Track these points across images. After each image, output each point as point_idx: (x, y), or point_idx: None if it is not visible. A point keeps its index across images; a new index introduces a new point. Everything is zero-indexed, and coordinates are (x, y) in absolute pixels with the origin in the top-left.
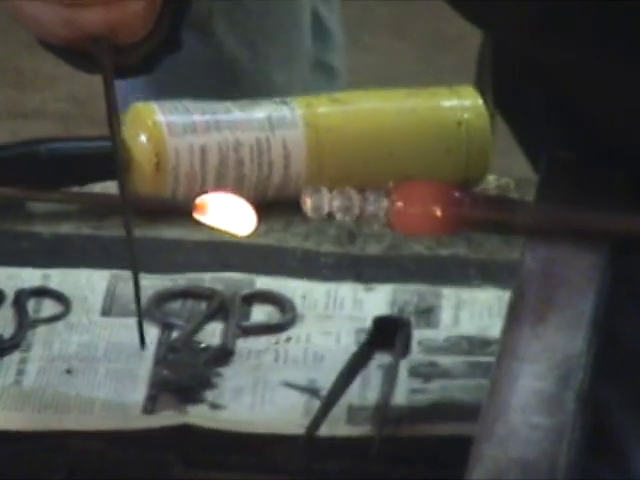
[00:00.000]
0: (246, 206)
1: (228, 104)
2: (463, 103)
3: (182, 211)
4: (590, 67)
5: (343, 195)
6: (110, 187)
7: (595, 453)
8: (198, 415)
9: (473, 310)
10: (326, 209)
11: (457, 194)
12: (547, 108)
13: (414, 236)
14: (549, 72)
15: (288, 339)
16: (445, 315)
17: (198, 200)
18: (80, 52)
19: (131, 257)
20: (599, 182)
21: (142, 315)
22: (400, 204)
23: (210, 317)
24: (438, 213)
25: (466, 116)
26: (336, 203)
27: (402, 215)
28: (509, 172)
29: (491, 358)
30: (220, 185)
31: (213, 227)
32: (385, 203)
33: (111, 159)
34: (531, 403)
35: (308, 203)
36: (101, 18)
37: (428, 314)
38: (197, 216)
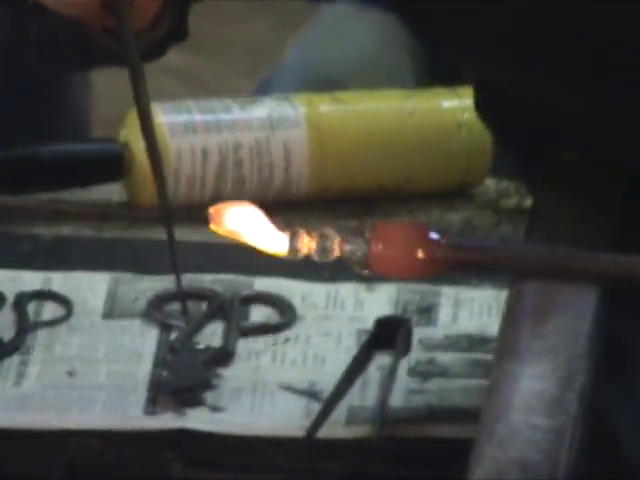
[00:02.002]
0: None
1: (228, 101)
2: (463, 104)
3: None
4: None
5: (321, 237)
6: (111, 190)
7: (595, 454)
8: (197, 418)
9: (472, 308)
10: (304, 251)
11: (436, 236)
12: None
13: (394, 277)
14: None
15: (287, 340)
16: (444, 313)
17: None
18: (95, 27)
19: (174, 264)
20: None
21: (141, 317)
22: (378, 246)
23: (209, 318)
24: (417, 255)
25: (466, 117)
26: (313, 246)
27: (380, 258)
28: (509, 174)
29: (490, 356)
30: (219, 184)
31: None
32: (363, 245)
33: (111, 160)
34: (532, 404)
35: (286, 245)
36: None
37: (428, 313)
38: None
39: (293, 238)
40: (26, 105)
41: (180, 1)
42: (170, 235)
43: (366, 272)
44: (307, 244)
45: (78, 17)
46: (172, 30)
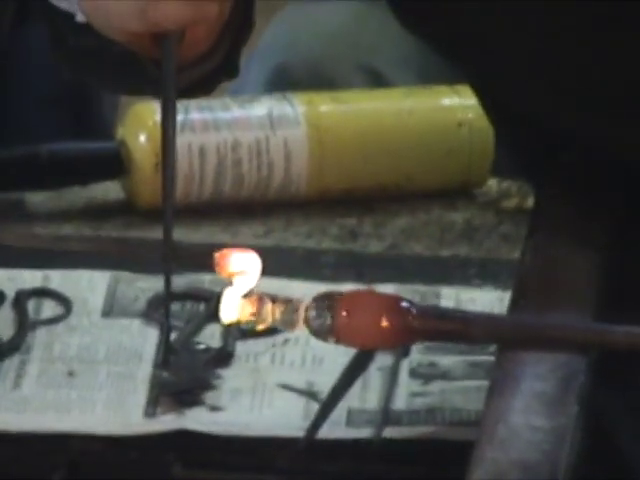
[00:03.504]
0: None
1: (227, 100)
2: (464, 102)
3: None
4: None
5: (286, 306)
6: (110, 188)
7: (595, 455)
8: (197, 419)
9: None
10: (269, 320)
11: (404, 305)
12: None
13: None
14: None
15: (286, 341)
16: None
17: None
18: (139, 58)
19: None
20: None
21: (141, 316)
22: (345, 316)
23: (209, 319)
24: (384, 324)
25: (467, 116)
26: (278, 314)
27: (347, 327)
28: (511, 174)
29: (490, 358)
30: (218, 183)
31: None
32: (329, 315)
33: (111, 160)
34: (532, 405)
35: (250, 313)
36: (177, 13)
37: None
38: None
39: (258, 305)
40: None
41: (233, 38)
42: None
43: (331, 341)
44: (272, 312)
45: (127, 44)
46: (222, 66)
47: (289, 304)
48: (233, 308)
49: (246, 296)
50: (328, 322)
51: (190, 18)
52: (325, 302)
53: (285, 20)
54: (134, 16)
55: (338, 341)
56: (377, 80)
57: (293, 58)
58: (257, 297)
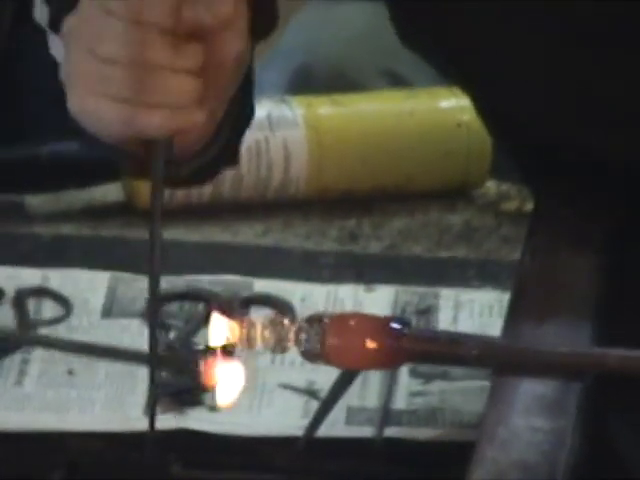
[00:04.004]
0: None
1: None
2: (463, 104)
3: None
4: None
5: (276, 328)
6: (110, 189)
7: (594, 456)
8: (196, 418)
9: (472, 310)
10: (258, 342)
11: (395, 326)
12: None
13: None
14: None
15: None
16: (444, 315)
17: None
18: (130, 153)
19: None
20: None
21: (140, 316)
22: (335, 338)
23: (208, 319)
24: (375, 347)
25: (466, 117)
26: (267, 336)
27: (337, 350)
28: (510, 177)
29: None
30: (217, 184)
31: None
32: (319, 339)
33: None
34: (533, 406)
35: (239, 335)
36: (164, 123)
37: (427, 314)
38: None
39: (248, 328)
40: None
41: (230, 128)
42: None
43: (320, 362)
44: (261, 334)
45: (117, 144)
46: (221, 156)
47: (278, 325)
48: (222, 332)
49: (236, 320)
50: (317, 345)
51: (176, 127)
52: (314, 325)
53: (306, 21)
54: (121, 123)
55: (328, 362)
56: (398, 83)
57: (315, 60)
58: (247, 320)
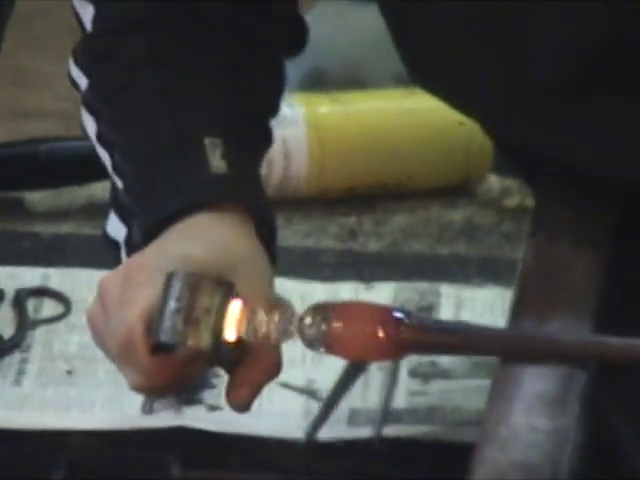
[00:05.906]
0: None
1: None
2: None
3: None
4: None
5: (280, 317)
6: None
7: (596, 456)
8: (196, 417)
9: (474, 308)
10: (263, 330)
11: (398, 315)
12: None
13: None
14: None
15: None
16: (445, 312)
17: None
18: None
19: None
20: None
21: None
22: (338, 326)
23: None
24: (379, 335)
25: None
26: (273, 325)
27: (340, 337)
28: (513, 173)
29: (491, 357)
30: None
31: None
32: (323, 325)
33: None
34: (533, 406)
35: (244, 324)
36: (160, 377)
37: (428, 312)
38: None
39: (252, 317)
40: None
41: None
42: None
43: (322, 350)
44: (266, 323)
45: None
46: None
47: (283, 314)
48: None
49: (239, 308)
50: (321, 331)
51: (174, 378)
52: (319, 310)
53: (320, 22)
54: (119, 354)
55: (331, 351)
56: (411, 87)
57: (329, 62)
58: (251, 310)
